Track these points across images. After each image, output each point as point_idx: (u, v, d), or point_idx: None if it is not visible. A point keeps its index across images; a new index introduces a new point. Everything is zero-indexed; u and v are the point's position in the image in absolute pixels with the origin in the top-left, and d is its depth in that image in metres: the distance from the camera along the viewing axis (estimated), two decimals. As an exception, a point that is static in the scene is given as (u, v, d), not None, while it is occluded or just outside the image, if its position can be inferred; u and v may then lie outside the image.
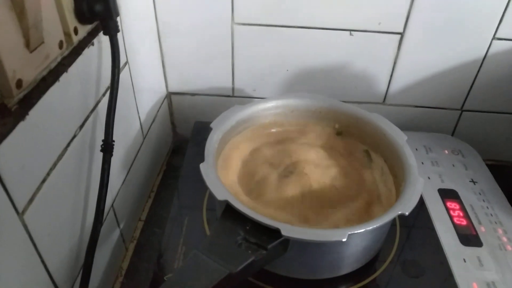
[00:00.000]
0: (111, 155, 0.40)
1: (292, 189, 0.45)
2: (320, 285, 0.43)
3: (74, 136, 0.37)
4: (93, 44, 0.40)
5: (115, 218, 0.48)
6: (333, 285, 0.43)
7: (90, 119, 0.40)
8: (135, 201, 0.55)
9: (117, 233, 0.50)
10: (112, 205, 0.47)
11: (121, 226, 0.50)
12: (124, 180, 0.50)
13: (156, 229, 0.54)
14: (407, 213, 0.38)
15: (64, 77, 0.35)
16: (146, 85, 0.57)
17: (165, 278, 0.42)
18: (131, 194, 0.53)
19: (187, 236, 0.47)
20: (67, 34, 0.36)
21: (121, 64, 0.48)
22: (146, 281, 0.46)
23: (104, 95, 0.43)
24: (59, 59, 0.35)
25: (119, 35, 0.41)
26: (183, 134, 0.71)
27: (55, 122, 0.34)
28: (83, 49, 0.38)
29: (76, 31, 0.37)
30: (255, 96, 0.65)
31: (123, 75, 0.48)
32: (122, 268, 0.51)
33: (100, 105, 0.42)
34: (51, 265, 0.35)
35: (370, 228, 0.36)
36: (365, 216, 0.44)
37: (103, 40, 0.42)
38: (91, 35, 0.40)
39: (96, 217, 0.39)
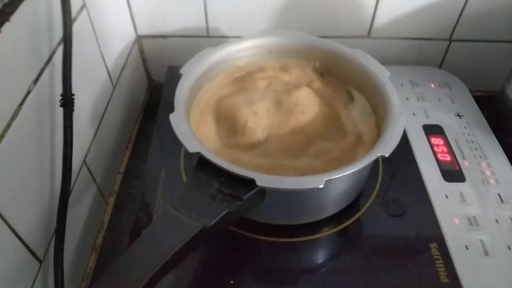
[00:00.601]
0: (72, 110, 0.37)
1: (270, 133, 0.43)
2: (302, 229, 0.43)
3: (28, 92, 0.35)
4: (38, -13, 0.36)
5: (90, 173, 0.47)
6: (315, 229, 0.43)
7: (46, 72, 0.37)
8: (111, 154, 0.54)
9: (93, 188, 0.48)
10: (84, 161, 0.45)
11: (98, 180, 0.49)
12: (96, 134, 0.48)
13: (135, 181, 0.53)
14: (387, 155, 0.36)
15: (6, 27, 0.31)
16: (111, 29, 0.53)
17: (143, 232, 0.42)
18: (105, 148, 0.51)
19: (164, 188, 0.46)
20: (2, -23, 0.32)
21: (77, 7, 0.43)
22: (128, 234, 0.46)
23: (60, 44, 0.39)
24: (-2, 7, 0.32)
25: (68, -26, 0.36)
26: (158, 81, 0.67)
27: (2, 78, 0.31)
28: (26, -7, 0.34)
29: (13, -28, 0.32)
30: (232, 35, 0.61)
31: (81, 20, 0.44)
32: (103, 222, 0.50)
33: (55, 56, 0.39)
34: (21, 230, 0.34)
35: (348, 172, 0.35)
36: (348, 158, 0.42)
37: (50, -18, 0.37)
38: (35, -24, 0.36)
39: (64, 176, 0.37)
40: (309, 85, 0.49)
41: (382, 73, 0.44)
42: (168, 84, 0.58)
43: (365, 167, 0.37)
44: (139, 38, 0.62)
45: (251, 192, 0.35)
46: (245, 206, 0.35)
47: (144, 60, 0.64)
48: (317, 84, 0.49)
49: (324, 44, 0.48)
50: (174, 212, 0.33)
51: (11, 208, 0.32)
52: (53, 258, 0.37)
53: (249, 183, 0.34)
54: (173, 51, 0.63)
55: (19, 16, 0.33)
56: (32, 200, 0.36)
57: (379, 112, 0.44)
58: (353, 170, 0.35)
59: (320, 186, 0.34)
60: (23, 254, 0.35)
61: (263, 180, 0.34)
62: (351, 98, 0.48)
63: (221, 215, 0.33)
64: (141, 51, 0.63)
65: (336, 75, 0.49)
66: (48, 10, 0.38)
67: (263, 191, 0.36)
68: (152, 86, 0.68)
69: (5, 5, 0.33)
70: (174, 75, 0.59)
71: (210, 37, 0.61)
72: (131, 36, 0.60)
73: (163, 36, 0.61)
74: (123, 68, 0.57)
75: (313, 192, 0.38)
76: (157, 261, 0.30)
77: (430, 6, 0.56)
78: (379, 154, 0.36)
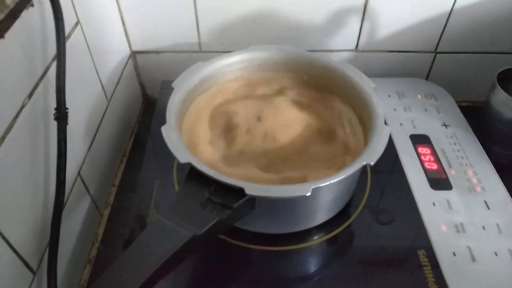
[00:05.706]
0: (66, 123, 0.38)
1: (260, 146, 0.44)
2: (292, 237, 0.43)
3: (23, 106, 0.36)
4: (32, 6, 0.37)
5: (84, 185, 0.48)
6: (305, 237, 0.44)
7: (40, 87, 0.38)
8: (106, 166, 0.54)
9: (88, 200, 0.49)
10: (79, 173, 0.46)
11: (92, 193, 0.50)
12: (90, 147, 0.49)
13: (130, 193, 0.54)
14: (372, 163, 0.37)
15: (0, 44, 0.33)
16: (105, 45, 0.54)
17: (135, 240, 0.42)
18: (100, 160, 0.52)
19: (157, 199, 0.47)
20: (-2, -3, 0.33)
21: (72, 24, 0.45)
22: (122, 246, 0.47)
23: (54, 59, 0.41)
24: (-8, 25, 0.33)
25: (63, -7, 0.37)
26: (153, 95, 0.68)
27: (-3, 93, 0.32)
28: (21, 11, 0.35)
29: (8, -8, 0.34)
30: (223, 50, 0.62)
31: (75, 36, 0.45)
32: (98, 234, 0.50)
33: (50, 71, 0.40)
34: (15, 241, 0.34)
35: (335, 180, 0.36)
36: (336, 167, 0.43)
37: (44, 0, 0.38)
38: (30, -5, 0.37)
39: (57, 188, 0.38)
40: (295, 99, 0.50)
41: (367, 85, 0.46)
42: (161, 98, 0.59)
43: (352, 176, 0.38)
44: (133, 54, 0.63)
45: (241, 201, 0.36)
46: (235, 215, 0.36)
47: (138, 75, 0.66)
48: (303, 97, 0.50)
49: (311, 58, 0.50)
50: (165, 220, 0.34)
51: (5, 219, 0.33)
52: (46, 269, 0.38)
53: (239, 192, 0.35)
54: (166, 66, 0.64)
55: (13, 33, 0.34)
56: (26, 211, 0.36)
57: (365, 123, 0.45)
58: (339, 178, 0.36)
59: (307, 194, 0.35)
60: (17, 265, 0.35)
61: (251, 189, 0.35)
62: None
63: (212, 223, 0.34)
64: (135, 66, 0.65)
65: (323, 87, 0.51)
66: (42, 27, 0.39)
67: (253, 200, 0.37)
68: (146, 100, 0.69)
69: (-1, 23, 0.34)
70: (167, 89, 0.60)
71: (203, 52, 0.63)
72: (126, 51, 0.62)
73: (157, 52, 0.63)
74: (117, 83, 0.58)
75: (302, 200, 0.39)
76: (148, 268, 0.31)
77: (415, 20, 0.58)
78: (364, 163, 0.37)
